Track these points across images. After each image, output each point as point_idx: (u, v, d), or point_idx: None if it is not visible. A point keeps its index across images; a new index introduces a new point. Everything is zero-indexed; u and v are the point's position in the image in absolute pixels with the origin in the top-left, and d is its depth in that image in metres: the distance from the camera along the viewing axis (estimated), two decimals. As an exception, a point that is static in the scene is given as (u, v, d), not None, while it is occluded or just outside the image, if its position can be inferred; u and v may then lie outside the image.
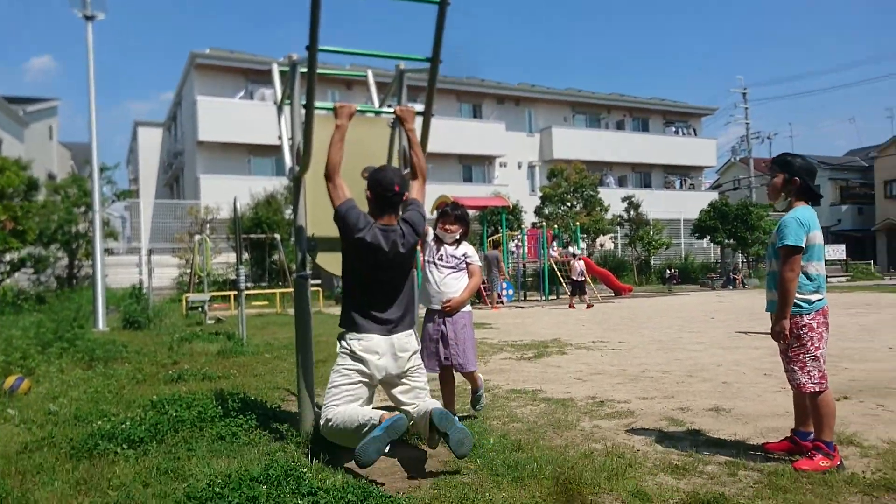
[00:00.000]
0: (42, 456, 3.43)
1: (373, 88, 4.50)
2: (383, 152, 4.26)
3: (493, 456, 3.27)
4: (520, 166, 32.74)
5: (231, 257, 19.69)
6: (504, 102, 32.75)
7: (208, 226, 21.34)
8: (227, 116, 25.31)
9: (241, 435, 3.64)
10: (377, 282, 3.38)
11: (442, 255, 4.03)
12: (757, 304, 13.98)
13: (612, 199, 27.11)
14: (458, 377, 4.17)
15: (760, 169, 37.08)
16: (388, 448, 3.03)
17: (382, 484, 2.96)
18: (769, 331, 3.26)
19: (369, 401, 3.34)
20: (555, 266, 19.12)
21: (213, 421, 3.84)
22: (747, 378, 5.49)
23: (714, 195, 34.56)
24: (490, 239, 19.50)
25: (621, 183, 34.78)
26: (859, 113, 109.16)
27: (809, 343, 3.12)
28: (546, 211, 25.73)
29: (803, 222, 3.11)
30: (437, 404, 3.26)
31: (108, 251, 18.89)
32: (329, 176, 3.43)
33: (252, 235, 19.42)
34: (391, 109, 3.94)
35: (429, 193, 4.53)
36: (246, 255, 20.72)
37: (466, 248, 4.09)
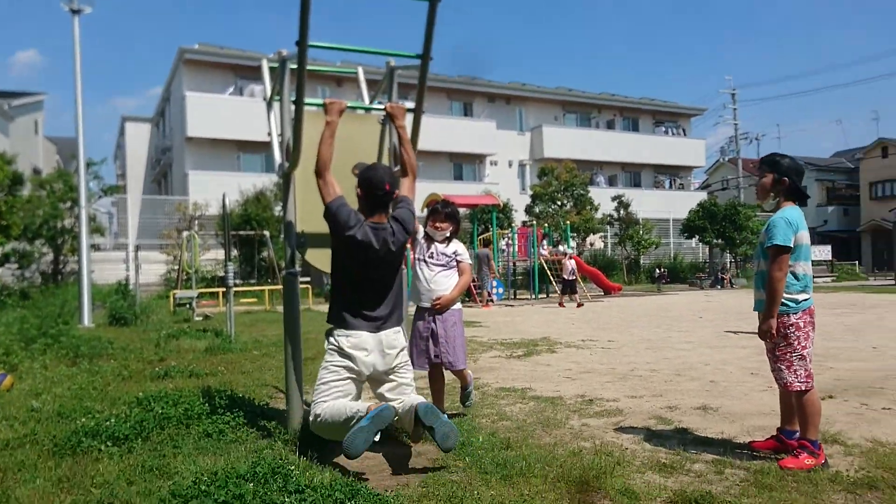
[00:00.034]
0: (24, 453, 3.38)
1: (363, 85, 4.47)
2: (373, 149, 4.24)
3: (481, 454, 3.27)
4: (510, 165, 32.79)
5: (219, 254, 19.57)
6: (495, 101, 32.77)
7: (197, 222, 21.19)
8: (216, 112, 25.11)
9: (229, 432, 3.61)
10: (367, 279, 3.38)
11: (432, 253, 4.03)
12: (744, 303, 14.10)
13: (602, 198, 27.24)
14: (447, 375, 4.17)
15: (749, 169, 37.41)
16: (377, 437, 3.04)
17: (367, 479, 2.95)
18: (756, 330, 3.28)
19: (357, 396, 3.35)
20: (545, 265, 19.17)
21: (200, 418, 3.81)
22: (734, 377, 5.53)
23: (703, 195, 34.82)
24: (480, 237, 19.52)
25: (611, 182, 34.95)
26: (845, 115, 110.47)
27: (796, 342, 3.15)
28: (536, 210, 25.80)
29: (791, 222, 3.14)
30: (423, 399, 3.27)
31: (95, 247, 18.73)
32: (319, 173, 3.41)
33: (241, 232, 19.30)
34: (382, 106, 3.92)
35: (419, 191, 4.51)
36: (235, 252, 20.60)
37: (457, 245, 4.09)
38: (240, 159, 26.53)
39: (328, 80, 26.41)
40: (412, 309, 4.11)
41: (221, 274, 16.10)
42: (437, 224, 4.04)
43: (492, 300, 16.87)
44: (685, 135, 38.45)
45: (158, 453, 3.29)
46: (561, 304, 15.69)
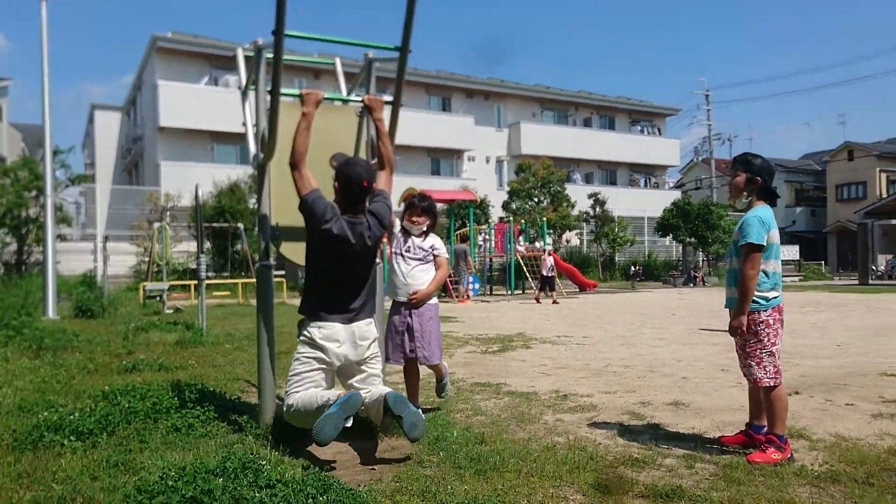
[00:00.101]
0: (-18, 448, 3.27)
1: (341, 77, 4.42)
2: (351, 141, 4.19)
3: (456, 449, 3.26)
4: (488, 161, 32.85)
5: (192, 246, 19.21)
6: (473, 96, 32.78)
7: (168, 213, 20.76)
8: (189, 102, 24.62)
9: (198, 427, 3.54)
10: (342, 273, 3.38)
11: (409, 247, 4.00)
12: (716, 301, 14.37)
13: (579, 195, 27.49)
14: (422, 370, 4.15)
15: (721, 169, 38.16)
16: (349, 423, 3.05)
17: (340, 473, 2.91)
18: (727, 327, 3.34)
19: (330, 386, 3.37)
20: (521, 261, 19.27)
21: (169, 412, 3.72)
22: (705, 373, 5.62)
23: (677, 194, 35.42)
24: (457, 233, 19.52)
25: (588, 180, 35.28)
26: (814, 118, 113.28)
27: (766, 339, 3.20)
28: (513, 206, 25.91)
29: (764, 221, 3.19)
30: (390, 390, 3.30)
31: (61, 237, 18.21)
32: (295, 165, 3.37)
33: (214, 224, 19.00)
34: (359, 98, 3.88)
35: (396, 186, 4.48)
36: (208, 245, 20.27)
37: (434, 240, 4.06)
38: (214, 150, 26.08)
39: (305, 71, 26.10)
40: (388, 303, 4.08)
41: (193, 266, 15.84)
42: (414, 218, 4.01)
43: (468, 296, 16.90)
44: (660, 134, 39.01)
45: (124, 448, 3.20)
46: (537, 300, 15.80)
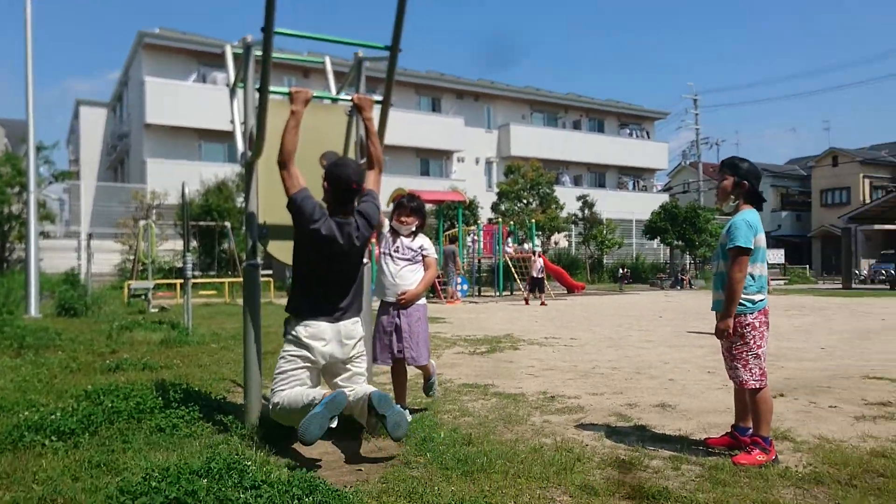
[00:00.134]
0: (-39, 449, 3.21)
1: (330, 76, 4.40)
2: (340, 140, 4.17)
3: (443, 450, 3.25)
4: (477, 162, 32.88)
5: (178, 244, 19.02)
6: (463, 97, 32.81)
7: (154, 211, 20.57)
8: (176, 99, 24.40)
9: (182, 427, 3.50)
10: (330, 272, 3.37)
11: (398, 248, 3.98)
12: (703, 304, 14.49)
13: (568, 197, 27.60)
14: (410, 371, 4.13)
15: (709, 173, 38.50)
16: (334, 423, 3.05)
17: (326, 474, 2.89)
18: (714, 330, 3.36)
19: (316, 384, 3.38)
20: (510, 262, 19.30)
21: (153, 412, 3.68)
22: (692, 375, 5.66)
23: (665, 197, 35.66)
24: (446, 233, 19.52)
25: (576, 182, 35.44)
26: (800, 123, 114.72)
27: (752, 341, 3.23)
28: (502, 207, 25.96)
29: (752, 224, 3.21)
30: (374, 389, 3.31)
31: (44, 234, 17.99)
32: (283, 163, 3.35)
33: (201, 223, 18.83)
34: (349, 97, 3.86)
35: (385, 186, 4.47)
36: (194, 243, 20.09)
37: (423, 240, 4.05)
38: (201, 148, 25.86)
39: (295, 69, 25.95)
40: (377, 304, 4.06)
41: (179, 265, 15.69)
42: (403, 218, 3.99)
43: (457, 297, 16.90)
44: (649, 137, 39.28)
45: (107, 448, 3.16)
46: (527, 302, 15.83)
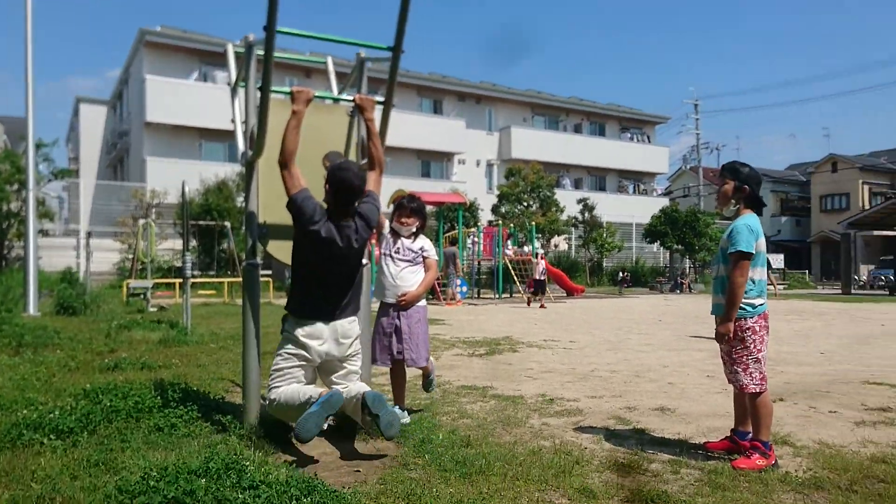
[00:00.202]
0: (-41, 446, 3.20)
1: (332, 76, 4.39)
2: (341, 141, 4.16)
3: (441, 451, 3.24)
4: (478, 164, 32.89)
5: (177, 244, 19.01)
6: (465, 100, 32.83)
7: (154, 210, 20.56)
8: (177, 98, 24.39)
9: (181, 426, 3.49)
10: (329, 273, 3.40)
11: (399, 249, 3.97)
12: (702, 307, 14.49)
13: (568, 200, 27.61)
14: (409, 372, 4.12)
15: (709, 178, 38.55)
16: (331, 421, 3.14)
17: (318, 465, 2.88)
18: (713, 334, 3.36)
19: (311, 381, 3.44)
20: (509, 265, 19.29)
21: (151, 411, 3.67)
22: (691, 379, 5.65)
23: (665, 201, 35.66)
24: (446, 235, 19.52)
25: (577, 185, 35.46)
26: (800, 130, 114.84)
27: (752, 345, 3.23)
28: (503, 209, 25.96)
29: (753, 229, 3.21)
30: (368, 388, 3.37)
31: (43, 232, 17.96)
32: (284, 163, 3.35)
33: (201, 222, 18.82)
34: (351, 98, 3.86)
35: (386, 187, 4.47)
36: (194, 243, 20.08)
37: (423, 241, 4.05)
38: (201, 147, 25.85)
39: (296, 70, 25.96)
40: (376, 304, 4.06)
41: (179, 264, 15.68)
42: (403, 219, 3.99)
43: (454, 298, 16.89)
44: (650, 142, 39.31)
45: (105, 447, 3.15)
46: (529, 304, 15.81)
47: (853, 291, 24.63)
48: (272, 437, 3.37)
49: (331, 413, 3.16)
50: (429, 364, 4.10)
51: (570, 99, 36.32)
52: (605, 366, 6.39)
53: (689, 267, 28.74)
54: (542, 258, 16.77)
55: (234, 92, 3.88)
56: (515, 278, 19.14)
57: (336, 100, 4.12)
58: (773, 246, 37.67)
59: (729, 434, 3.46)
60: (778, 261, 31.28)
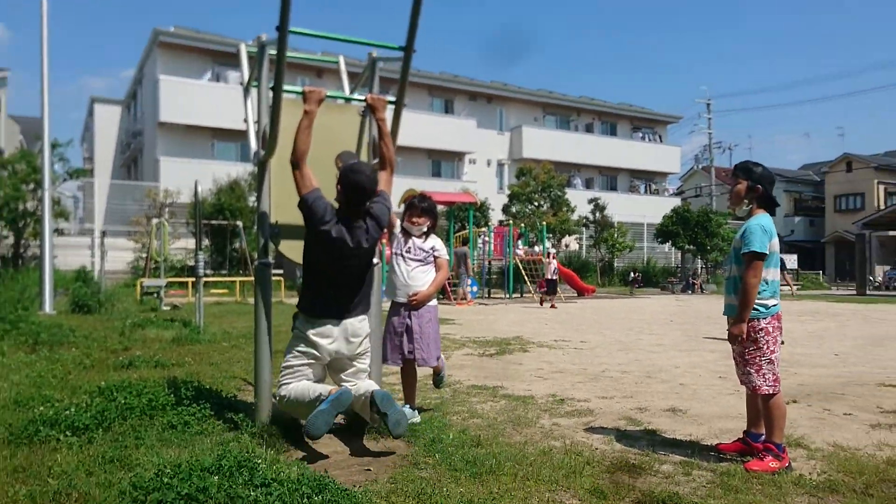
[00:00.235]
0: (-23, 442, 3.25)
1: (344, 76, 4.41)
2: (353, 141, 4.18)
3: (451, 451, 3.24)
4: (489, 164, 32.86)
5: (190, 243, 19.17)
6: (476, 99, 32.80)
7: (167, 210, 20.74)
8: (190, 98, 24.60)
9: (194, 424, 3.52)
10: (339, 272, 3.43)
11: (410, 248, 3.98)
12: (714, 308, 14.38)
13: (579, 200, 27.50)
14: (419, 372, 4.13)
15: (721, 178, 38.22)
16: (342, 420, 3.19)
17: (330, 464, 2.90)
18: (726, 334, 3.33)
19: (321, 378, 3.49)
20: (520, 265, 19.26)
21: (165, 409, 3.71)
22: (703, 380, 5.62)
23: (677, 201, 35.42)
24: (457, 235, 19.51)
25: (588, 185, 35.31)
26: (813, 129, 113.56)
27: (765, 346, 3.20)
28: (513, 209, 25.91)
29: (767, 229, 3.19)
30: (377, 386, 3.43)
31: (59, 231, 18.17)
32: (296, 163, 3.38)
33: (213, 221, 18.96)
34: (362, 97, 3.87)
35: (396, 187, 4.47)
36: (206, 242, 20.23)
37: (435, 241, 4.05)
38: (214, 147, 26.05)
39: (308, 70, 26.08)
40: (387, 304, 4.07)
41: (191, 263, 15.80)
42: (414, 219, 4.00)
43: (465, 298, 16.88)
44: (661, 141, 39.06)
45: (120, 444, 3.19)
46: (541, 303, 15.76)
47: (868, 292, 24.32)
48: (284, 436, 3.39)
49: (340, 411, 3.21)
50: (439, 362, 4.11)
51: (581, 98, 36.18)
52: (616, 366, 6.36)
53: (701, 267, 28.52)
54: (553, 257, 16.71)
55: (246, 92, 3.91)
56: (526, 278, 19.09)
57: (348, 99, 4.14)
58: (786, 246, 37.29)
59: (741, 436, 3.43)
60: (791, 261, 30.94)
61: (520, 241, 20.82)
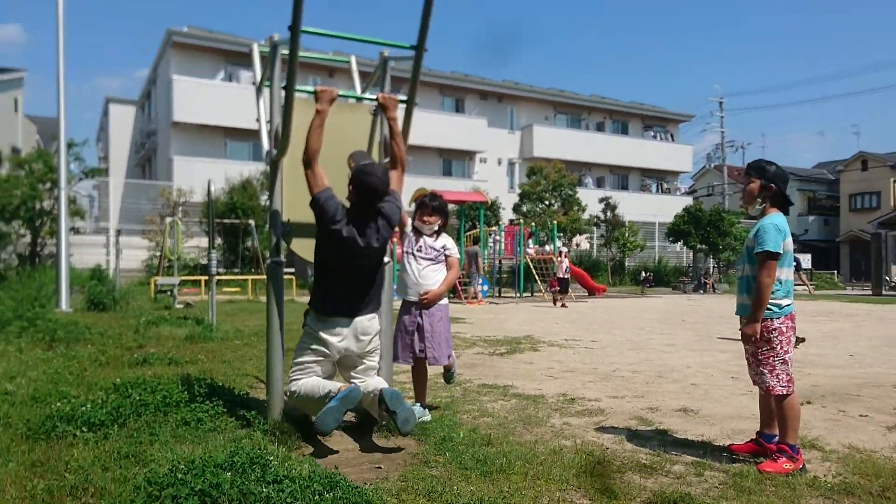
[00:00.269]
0: (-4, 437, 3.31)
1: (355, 75, 4.43)
2: (364, 140, 4.20)
3: (462, 449, 3.25)
4: (500, 163, 32.81)
5: (203, 242, 19.35)
6: (487, 98, 32.76)
7: (181, 209, 20.92)
8: (204, 98, 24.80)
9: (207, 421, 3.56)
10: (349, 271, 3.46)
11: (421, 247, 4.00)
12: (726, 308, 14.26)
13: (590, 199, 27.38)
14: (430, 370, 4.15)
15: (734, 177, 37.89)
16: (353, 417, 3.26)
17: (340, 462, 2.92)
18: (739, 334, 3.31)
19: (331, 374, 3.54)
20: (531, 264, 19.22)
21: (178, 406, 3.75)
22: (715, 380, 5.58)
23: (689, 200, 35.17)
24: (468, 234, 19.51)
25: (599, 184, 35.14)
26: (828, 127, 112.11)
27: (779, 346, 3.17)
28: (524, 208, 25.85)
29: (780, 228, 3.16)
30: (386, 384, 3.46)
31: (74, 230, 18.37)
32: (308, 162, 3.40)
33: (226, 220, 19.10)
34: (374, 96, 3.88)
35: (407, 186, 4.49)
36: (219, 240, 20.39)
37: (446, 240, 4.06)
38: (227, 146, 26.24)
39: (320, 69, 26.19)
40: (398, 303, 4.09)
41: (204, 262, 15.95)
42: (425, 218, 4.01)
43: (476, 297, 16.87)
44: (673, 140, 38.79)
45: (135, 440, 3.23)
46: (554, 303, 15.65)
47: (884, 292, 23.99)
48: (295, 433, 3.42)
49: (349, 408, 3.26)
50: (450, 360, 4.12)
51: (592, 97, 36.01)
52: (627, 366, 6.34)
53: (713, 267, 28.28)
54: (565, 256, 16.65)
55: (259, 91, 3.94)
56: (537, 277, 19.05)
57: (359, 99, 4.15)
58: (799, 245, 36.84)
59: (754, 437, 3.41)
60: (805, 261, 30.58)
61: (530, 241, 20.78)
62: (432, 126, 27.80)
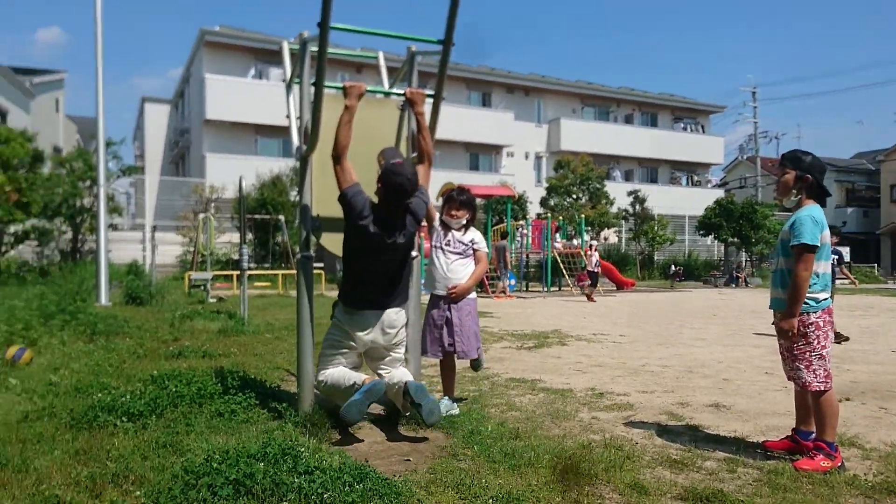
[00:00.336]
0: (42, 425, 3.45)
1: (383, 70, 4.45)
2: (392, 135, 4.22)
3: (490, 443, 3.26)
4: (527, 156, 32.60)
5: (235, 237, 19.70)
6: (513, 92, 32.55)
7: (213, 205, 21.34)
8: (235, 95, 25.21)
9: (240, 412, 3.64)
10: (377, 265, 3.50)
11: (449, 241, 4.01)
12: (759, 302, 13.93)
13: (618, 192, 27.03)
14: (458, 364, 4.16)
15: (767, 168, 36.89)
16: (381, 410, 3.41)
17: (370, 453, 2.95)
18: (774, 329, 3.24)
19: (358, 365, 3.64)
20: (558, 258, 19.08)
21: (213, 398, 3.85)
22: (748, 375, 5.47)
23: (720, 193, 34.41)
24: (495, 228, 19.46)
25: (627, 177, 34.66)
26: (867, 115, 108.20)
27: (816, 341, 3.10)
28: (551, 202, 25.65)
29: (817, 220, 3.07)
30: (411, 377, 3.54)
31: (113, 226, 18.93)
32: (337, 158, 3.45)
33: (256, 216, 19.40)
34: (401, 91, 3.90)
35: (434, 180, 4.50)
36: (250, 236, 20.74)
37: (474, 234, 4.06)
38: (257, 143, 26.65)
39: (348, 65, 26.38)
40: (426, 297, 4.11)
41: (236, 257, 16.24)
42: (453, 212, 4.01)
43: (504, 291, 16.83)
44: (704, 132, 37.97)
45: (172, 430, 3.33)
46: (588, 298, 15.28)
47: (928, 287, 23.12)
48: (326, 425, 3.47)
49: (373, 400, 3.36)
50: (479, 353, 4.13)
51: (620, 89, 35.45)
52: (657, 360, 6.26)
53: (746, 260, 27.64)
54: (595, 249, 16.45)
55: (288, 88, 3.99)
56: (564, 271, 18.90)
57: (387, 94, 4.17)
58: (839, 238, 35.74)
59: (790, 433, 3.33)
60: (845, 253, 29.68)
61: (558, 235, 20.62)
62: (459, 120, 27.77)
